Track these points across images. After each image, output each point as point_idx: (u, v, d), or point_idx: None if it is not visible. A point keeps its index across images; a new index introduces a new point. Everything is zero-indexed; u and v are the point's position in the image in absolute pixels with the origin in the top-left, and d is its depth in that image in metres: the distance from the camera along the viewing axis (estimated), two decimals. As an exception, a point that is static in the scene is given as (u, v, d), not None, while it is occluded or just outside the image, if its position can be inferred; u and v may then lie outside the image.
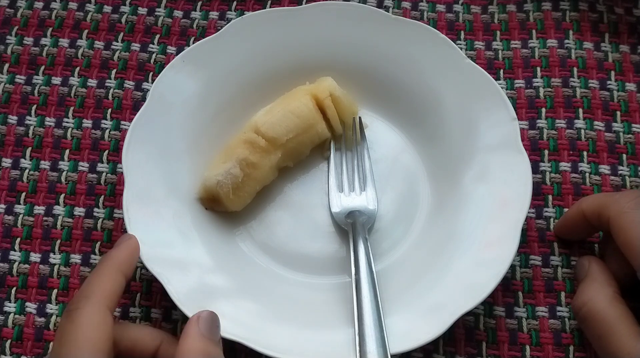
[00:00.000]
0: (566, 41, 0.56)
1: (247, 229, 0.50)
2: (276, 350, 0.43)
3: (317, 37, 0.53)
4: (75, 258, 0.49)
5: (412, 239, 0.49)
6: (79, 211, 0.51)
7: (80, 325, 0.39)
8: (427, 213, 0.50)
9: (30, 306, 0.48)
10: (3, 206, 0.51)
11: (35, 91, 0.55)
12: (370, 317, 0.44)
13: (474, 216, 0.48)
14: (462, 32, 0.57)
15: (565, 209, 0.50)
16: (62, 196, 0.51)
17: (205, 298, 0.45)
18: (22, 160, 0.52)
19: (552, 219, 0.50)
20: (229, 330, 0.43)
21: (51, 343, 0.47)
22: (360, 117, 0.52)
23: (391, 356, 0.42)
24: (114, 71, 0.55)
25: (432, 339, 0.43)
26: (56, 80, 0.55)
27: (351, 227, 0.48)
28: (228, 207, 0.49)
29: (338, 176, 0.51)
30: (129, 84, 0.55)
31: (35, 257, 0.50)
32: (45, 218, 0.51)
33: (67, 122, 0.54)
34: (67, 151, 0.53)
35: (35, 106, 0.54)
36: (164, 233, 0.47)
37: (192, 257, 0.47)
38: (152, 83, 0.53)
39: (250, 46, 0.52)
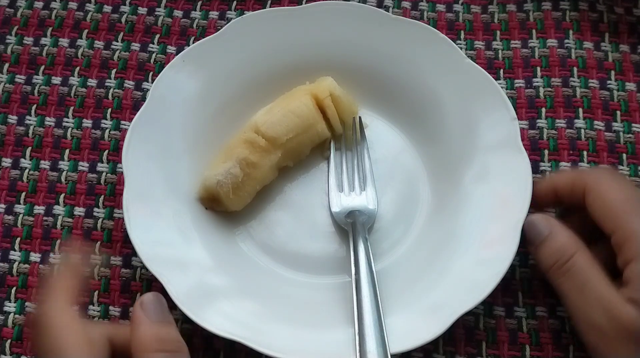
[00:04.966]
0: (566, 41, 0.56)
1: (247, 229, 0.50)
2: (276, 350, 0.43)
3: (317, 37, 0.53)
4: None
5: (412, 239, 0.49)
6: (79, 211, 0.51)
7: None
8: (427, 213, 0.50)
9: (30, 306, 0.48)
10: (3, 206, 0.51)
11: (35, 91, 0.55)
12: (370, 317, 0.44)
13: (474, 215, 0.48)
14: (462, 32, 0.57)
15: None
16: (62, 196, 0.51)
17: (205, 298, 0.45)
18: (22, 160, 0.52)
19: (552, 219, 0.50)
20: (229, 330, 0.43)
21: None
22: (360, 117, 0.52)
23: (391, 356, 0.42)
24: (114, 71, 0.55)
25: (432, 339, 0.43)
26: (56, 80, 0.55)
27: (351, 227, 0.48)
28: (228, 207, 0.49)
29: (338, 175, 0.51)
30: (129, 83, 0.55)
31: (35, 257, 0.49)
32: (45, 218, 0.51)
33: (67, 122, 0.54)
34: (67, 151, 0.53)
35: (35, 105, 0.54)
36: (164, 232, 0.47)
37: (192, 257, 0.47)
38: (152, 83, 0.53)
39: (250, 46, 0.52)
